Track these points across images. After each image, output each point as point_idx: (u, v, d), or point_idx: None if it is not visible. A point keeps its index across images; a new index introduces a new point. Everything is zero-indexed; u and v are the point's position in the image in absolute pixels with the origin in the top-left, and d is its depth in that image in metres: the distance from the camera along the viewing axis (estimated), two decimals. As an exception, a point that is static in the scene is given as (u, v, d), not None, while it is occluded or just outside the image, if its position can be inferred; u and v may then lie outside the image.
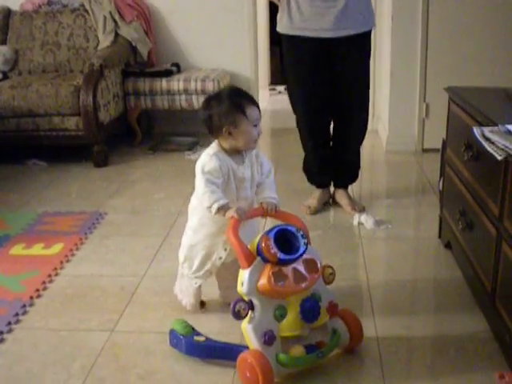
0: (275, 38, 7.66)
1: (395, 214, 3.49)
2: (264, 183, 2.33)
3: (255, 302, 1.97)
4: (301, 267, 2.00)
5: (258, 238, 2.02)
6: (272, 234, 1.99)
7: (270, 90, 7.31)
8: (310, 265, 2.03)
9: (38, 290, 2.65)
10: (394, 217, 3.43)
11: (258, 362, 1.91)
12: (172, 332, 2.19)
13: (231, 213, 2.11)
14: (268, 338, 1.94)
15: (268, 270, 1.96)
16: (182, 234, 3.16)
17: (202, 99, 4.68)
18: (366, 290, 2.62)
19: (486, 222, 2.27)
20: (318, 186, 3.60)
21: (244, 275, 1.99)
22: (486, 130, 2.07)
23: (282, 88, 7.15)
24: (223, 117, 2.18)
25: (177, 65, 4.99)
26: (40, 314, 2.49)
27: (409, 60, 4.41)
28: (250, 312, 1.96)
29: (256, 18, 5.27)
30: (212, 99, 2.26)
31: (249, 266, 1.99)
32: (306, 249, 2.01)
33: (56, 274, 2.81)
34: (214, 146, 2.25)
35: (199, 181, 2.18)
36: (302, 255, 2.01)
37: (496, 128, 2.07)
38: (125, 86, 4.82)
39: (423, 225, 3.36)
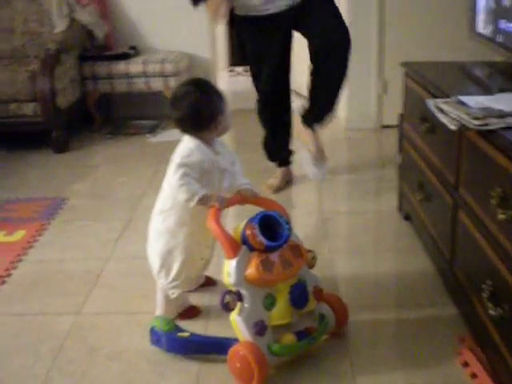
0: (233, 19, 7.70)
1: (355, 188, 3.55)
2: (234, 171, 2.22)
3: (243, 292, 1.91)
4: (286, 253, 1.97)
5: (241, 226, 1.98)
6: (256, 222, 1.93)
7: (229, 71, 7.30)
8: (295, 250, 2.00)
9: (1, 277, 2.65)
10: (354, 191, 3.50)
11: (252, 354, 1.86)
12: (152, 329, 2.10)
13: (212, 201, 2.03)
14: (259, 329, 1.90)
15: (255, 258, 1.91)
16: (145, 216, 3.18)
17: (160, 81, 4.72)
18: (329, 263, 2.67)
19: (442, 191, 2.33)
20: (280, 165, 3.63)
21: (230, 265, 1.92)
22: (440, 102, 2.12)
23: (241, 69, 7.16)
24: (215, 108, 2.10)
25: (134, 48, 4.96)
26: (5, 300, 2.49)
27: (365, 38, 4.45)
28: (238, 303, 1.91)
29: (213, -1, 5.25)
30: (189, 95, 2.11)
31: (235, 255, 1.92)
32: (290, 234, 1.98)
33: (19, 261, 2.81)
34: (188, 139, 2.13)
35: (175, 174, 2.05)
36: (287, 241, 1.97)
37: (449, 99, 2.12)
38: (82, 70, 4.78)
39: (383, 198, 3.41)
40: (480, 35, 2.73)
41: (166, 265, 2.17)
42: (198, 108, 2.08)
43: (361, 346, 2.11)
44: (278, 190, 3.54)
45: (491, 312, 1.79)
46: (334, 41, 3.17)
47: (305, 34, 3.26)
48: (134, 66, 4.71)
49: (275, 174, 3.63)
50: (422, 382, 1.93)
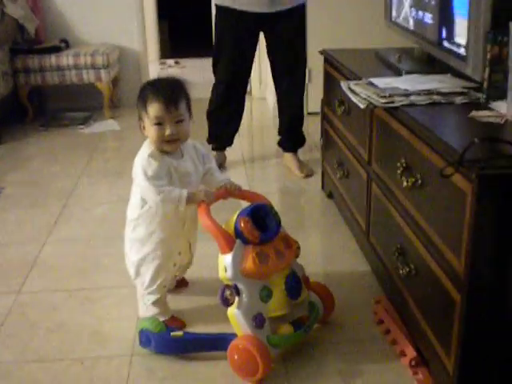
0: (163, 13, 7.81)
1: (283, 171, 3.72)
2: (210, 169, 2.18)
3: (240, 286, 1.89)
4: (278, 244, 1.97)
5: (233, 219, 1.96)
6: (248, 214, 1.93)
7: (160, 64, 7.40)
8: (285, 241, 2.00)
9: None
10: (282, 174, 3.67)
11: (256, 347, 1.86)
12: (142, 331, 2.06)
13: (201, 197, 2.00)
14: (259, 321, 1.89)
15: (251, 251, 1.89)
16: (80, 203, 3.31)
17: (92, 73, 4.79)
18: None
19: (358, 167, 2.52)
20: (215, 149, 3.79)
21: (226, 260, 1.91)
22: (352, 84, 2.31)
23: (171, 62, 7.27)
24: (137, 109, 2.04)
25: (65, 41, 5.02)
26: None
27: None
28: (236, 297, 1.90)
29: (141, -8, 5.37)
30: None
31: (230, 250, 1.90)
32: (280, 226, 2.00)
33: (-43, 247, 2.89)
34: (146, 146, 2.06)
35: (149, 189, 1.98)
36: (278, 232, 1.98)
37: (360, 81, 2.31)
38: (14, 63, 4.81)
39: (309, 179, 3.60)
40: (394, 23, 2.93)
41: (139, 272, 2.15)
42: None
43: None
44: None
45: (400, 271, 1.99)
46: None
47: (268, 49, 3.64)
48: (66, 59, 4.78)
49: None
50: (341, 339, 2.12)
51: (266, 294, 1.92)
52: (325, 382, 1.90)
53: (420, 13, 2.52)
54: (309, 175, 3.61)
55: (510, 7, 1.83)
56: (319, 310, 2.10)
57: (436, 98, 2.02)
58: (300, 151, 3.81)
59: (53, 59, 4.77)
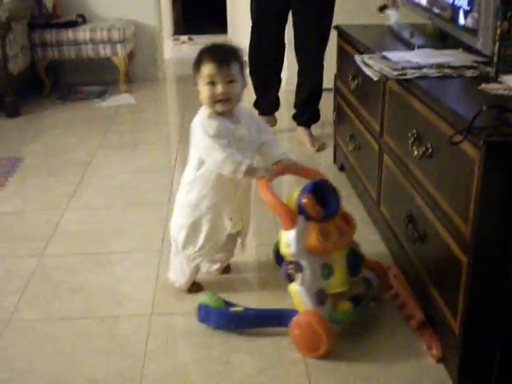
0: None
1: (296, 145, 3.80)
2: (267, 142, 2.15)
3: (303, 262, 1.89)
4: (339, 221, 1.97)
5: (295, 195, 1.95)
6: (310, 190, 1.92)
7: (174, 40, 7.45)
8: (345, 218, 2.01)
9: (-35, 227, 2.82)
10: (294, 147, 3.74)
11: (319, 323, 1.87)
12: (200, 306, 2.07)
13: (261, 173, 1.98)
14: (321, 298, 1.89)
15: (314, 227, 1.88)
16: (97, 173, 3.40)
17: (108, 48, 4.85)
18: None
19: (370, 139, 2.59)
20: (263, 113, 3.98)
21: (289, 236, 1.89)
22: (366, 57, 2.37)
23: (185, 38, 7.33)
24: (193, 72, 2.07)
25: (82, 16, 5.10)
26: (-31, 247, 2.67)
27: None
28: (299, 274, 1.89)
29: (158, -33, 5.43)
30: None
31: (293, 225, 1.89)
32: (340, 202, 2.00)
33: (-20, 213, 2.99)
34: (203, 110, 2.08)
35: (212, 147, 1.98)
36: (339, 210, 1.99)
37: (374, 55, 2.38)
38: (32, 37, 4.90)
39: (321, 153, 3.67)
40: (407, 0, 2.99)
41: (192, 235, 2.16)
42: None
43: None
44: None
45: (410, 238, 2.08)
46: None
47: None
48: (82, 34, 4.86)
49: None
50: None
51: (328, 271, 1.92)
52: (334, 342, 1.97)
53: (433, -11, 2.58)
54: (321, 149, 3.68)
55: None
56: (375, 287, 2.11)
57: (447, 71, 2.09)
58: (312, 126, 3.88)
59: (70, 34, 4.85)
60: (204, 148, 2.01)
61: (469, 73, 2.07)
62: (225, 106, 2.03)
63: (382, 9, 3.07)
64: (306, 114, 3.85)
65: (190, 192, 2.13)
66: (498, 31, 1.94)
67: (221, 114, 2.04)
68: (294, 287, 1.91)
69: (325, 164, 3.46)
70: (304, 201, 1.90)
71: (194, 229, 2.15)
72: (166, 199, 3.06)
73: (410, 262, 2.14)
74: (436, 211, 1.88)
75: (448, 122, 1.75)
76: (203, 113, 2.06)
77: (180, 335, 2.07)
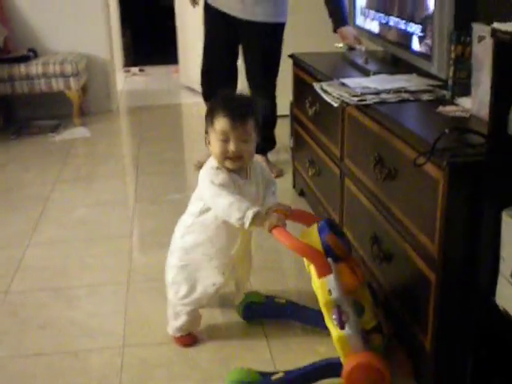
0: (125, 21, 7.88)
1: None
2: (267, 192, 2.09)
3: (345, 305, 1.83)
4: (351, 257, 1.96)
5: (314, 238, 1.88)
6: (330, 231, 1.88)
7: (125, 71, 7.46)
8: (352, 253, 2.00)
9: None
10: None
11: (379, 361, 1.83)
12: None
13: (274, 222, 1.86)
14: (364, 337, 1.85)
15: (346, 267, 1.86)
16: (57, 207, 3.39)
17: (61, 82, 4.84)
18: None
19: (330, 164, 2.65)
20: None
21: (330, 282, 1.82)
22: (324, 84, 2.44)
23: (136, 69, 7.34)
24: (205, 122, 2.01)
25: (33, 50, 5.07)
26: None
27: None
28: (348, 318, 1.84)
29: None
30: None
31: (330, 271, 1.83)
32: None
33: None
34: (211, 161, 2.01)
35: (219, 193, 1.91)
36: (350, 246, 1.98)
37: (332, 82, 2.45)
38: (-18, 73, 4.85)
39: (280, 179, 3.72)
40: (359, 27, 3.08)
41: (175, 281, 2.09)
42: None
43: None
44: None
45: (376, 259, 2.13)
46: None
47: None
48: (35, 68, 4.82)
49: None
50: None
51: (360, 309, 1.88)
52: (304, 357, 1.99)
53: (385, 16, 2.66)
54: (279, 175, 3.73)
55: (472, 8, 1.99)
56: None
57: (404, 95, 2.17)
58: (269, 153, 3.93)
59: (22, 68, 4.81)
60: (211, 196, 1.94)
61: (425, 96, 2.15)
62: (235, 164, 1.96)
63: (350, 49, 3.15)
64: (262, 141, 3.86)
65: (185, 236, 2.07)
66: (453, 55, 2.02)
67: (229, 170, 1.97)
68: (344, 333, 1.82)
69: (284, 189, 3.51)
70: (329, 242, 1.85)
71: (181, 273, 2.07)
72: (129, 232, 3.07)
73: (377, 281, 2.19)
74: (401, 231, 1.94)
75: (410, 145, 1.81)
76: (211, 163, 1.99)
77: (153, 366, 2.07)
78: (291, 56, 3.24)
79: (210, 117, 1.96)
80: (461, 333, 1.73)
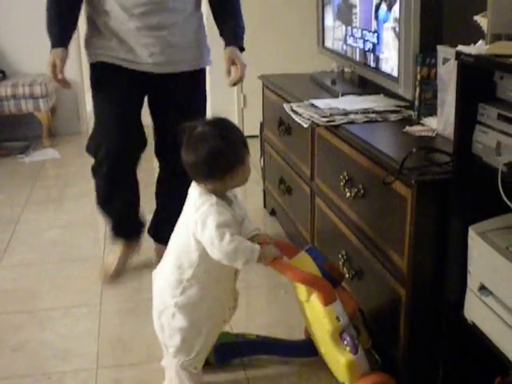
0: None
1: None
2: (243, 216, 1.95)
3: (351, 331, 1.85)
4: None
5: (310, 265, 1.88)
6: (323, 258, 1.92)
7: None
8: None
9: None
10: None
11: (390, 380, 1.86)
12: None
13: (273, 254, 1.84)
14: (369, 360, 1.87)
15: (345, 291, 1.92)
16: (27, 229, 3.38)
17: (30, 103, 4.83)
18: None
19: (301, 183, 2.70)
20: (123, 236, 2.86)
21: (337, 308, 1.82)
22: (294, 105, 2.49)
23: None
24: (235, 157, 1.79)
25: (2, 71, 5.07)
26: None
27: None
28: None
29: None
30: (209, 138, 1.77)
31: (336, 297, 1.83)
32: None
33: None
34: (204, 194, 1.82)
35: (221, 238, 1.74)
36: None
37: (302, 103, 2.50)
38: (-50, 96, 4.82)
39: (249, 199, 3.76)
40: (326, 49, 3.14)
41: (189, 339, 1.88)
42: (216, 155, 1.76)
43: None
44: (116, 275, 2.79)
45: (347, 275, 2.16)
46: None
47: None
48: (4, 90, 4.81)
49: (113, 250, 2.87)
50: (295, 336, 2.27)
51: (357, 331, 1.88)
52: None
53: (352, 38, 2.73)
54: None
55: (437, 31, 2.05)
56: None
57: (372, 116, 2.22)
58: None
59: (-10, 90, 4.81)
60: (211, 239, 1.76)
61: (392, 117, 2.21)
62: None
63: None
64: None
65: (187, 290, 1.85)
66: (418, 77, 2.08)
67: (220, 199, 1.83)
68: (351, 357, 1.83)
69: (255, 209, 3.54)
70: (327, 268, 1.88)
71: (191, 332, 1.87)
72: (101, 252, 3.07)
73: (348, 298, 2.23)
74: (371, 248, 1.98)
75: (378, 164, 1.86)
76: (207, 201, 1.80)
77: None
78: (261, 77, 3.29)
79: (245, 146, 1.83)
80: (431, 346, 1.77)
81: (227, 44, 2.59)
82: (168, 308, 1.87)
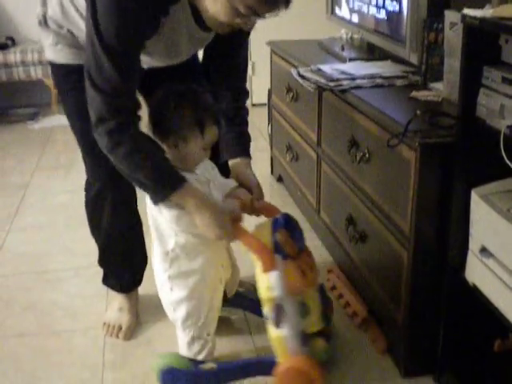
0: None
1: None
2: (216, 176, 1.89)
3: (287, 304, 1.74)
4: (306, 256, 1.82)
5: (266, 232, 1.76)
6: (283, 226, 1.77)
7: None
8: (308, 253, 1.85)
9: None
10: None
11: (312, 367, 1.74)
12: (165, 372, 1.83)
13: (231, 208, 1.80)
14: (305, 340, 1.77)
15: (293, 265, 1.74)
16: (37, 193, 3.41)
17: (39, 70, 4.84)
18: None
19: (308, 149, 2.71)
20: (121, 289, 2.28)
21: (272, 278, 1.72)
22: (302, 70, 2.49)
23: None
24: (175, 126, 1.72)
25: (11, 38, 5.07)
26: None
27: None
28: (285, 316, 1.75)
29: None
30: (171, 100, 1.73)
31: (275, 266, 1.73)
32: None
33: None
34: None
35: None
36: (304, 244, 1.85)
37: (309, 68, 2.50)
38: (-41, 61, 4.84)
39: (257, 166, 3.75)
40: (335, 15, 3.14)
41: (192, 308, 1.86)
42: (158, 115, 1.76)
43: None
44: (127, 335, 2.20)
45: (351, 240, 2.20)
46: None
47: None
48: (13, 56, 4.82)
49: (111, 303, 2.33)
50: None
51: (305, 310, 1.80)
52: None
53: (361, 4, 2.72)
54: None
55: (445, -4, 2.06)
56: (331, 320, 2.01)
57: (379, 81, 2.23)
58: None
59: (0, 56, 4.82)
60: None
61: (399, 82, 2.21)
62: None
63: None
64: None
65: (175, 260, 1.83)
66: (426, 42, 2.09)
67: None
68: (280, 333, 1.76)
69: (262, 175, 3.55)
70: (280, 238, 1.73)
71: (192, 299, 1.85)
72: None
73: (352, 262, 2.26)
74: (375, 212, 2.00)
75: (384, 128, 1.88)
76: None
77: (136, 345, 2.12)
78: (270, 43, 3.29)
79: (198, 126, 1.73)
80: (432, 307, 1.80)
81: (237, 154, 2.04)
82: (164, 284, 1.87)
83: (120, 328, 2.17)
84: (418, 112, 1.73)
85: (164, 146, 1.77)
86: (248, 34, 1.98)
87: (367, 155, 2.02)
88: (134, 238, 2.20)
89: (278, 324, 1.75)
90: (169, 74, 1.91)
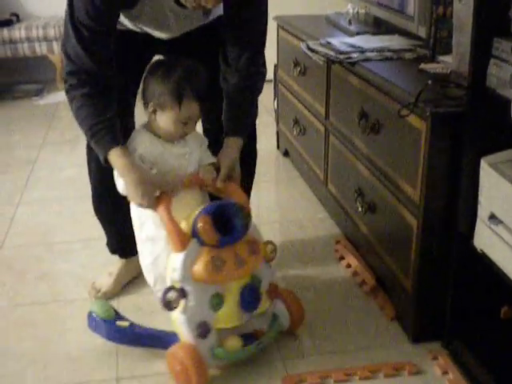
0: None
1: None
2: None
3: (189, 289, 1.71)
4: (241, 249, 1.75)
5: (194, 215, 1.75)
6: (210, 212, 1.73)
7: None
8: (251, 246, 1.78)
9: None
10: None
11: (191, 359, 1.71)
12: (91, 315, 1.95)
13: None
14: (202, 331, 1.72)
15: (205, 254, 1.70)
16: (45, 167, 3.44)
17: (44, 46, 4.85)
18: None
19: (315, 122, 2.74)
20: (111, 250, 2.39)
21: (176, 260, 1.71)
22: (311, 44, 2.52)
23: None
24: (156, 92, 1.80)
25: (16, 14, 5.07)
26: None
27: None
28: (182, 301, 1.72)
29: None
30: (161, 69, 1.82)
31: (182, 248, 1.71)
32: (247, 229, 1.79)
33: None
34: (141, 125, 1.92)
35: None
36: (242, 236, 1.77)
37: (318, 41, 2.53)
38: (-36, 37, 4.85)
39: (262, 141, 3.78)
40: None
41: (159, 275, 1.89)
42: (148, 80, 1.84)
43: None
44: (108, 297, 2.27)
45: (360, 210, 2.23)
46: None
47: None
48: (18, 32, 4.83)
49: (109, 268, 2.36)
50: (306, 273, 2.35)
51: (217, 302, 1.74)
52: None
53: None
54: None
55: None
56: (282, 323, 1.93)
57: (388, 54, 2.25)
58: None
59: (5, 32, 4.82)
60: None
61: (408, 55, 2.24)
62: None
63: None
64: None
65: (144, 225, 1.90)
66: (434, 15, 2.11)
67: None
68: (176, 315, 1.75)
69: (268, 150, 3.59)
70: (199, 224, 1.70)
71: (159, 266, 1.88)
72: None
73: (361, 232, 2.30)
74: (385, 182, 2.04)
75: (394, 99, 1.90)
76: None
77: (149, 312, 2.15)
78: (276, 18, 3.30)
79: (176, 97, 1.78)
80: (441, 275, 1.84)
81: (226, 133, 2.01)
82: (139, 248, 1.96)
83: (98, 291, 2.26)
84: (430, 82, 1.75)
85: (147, 113, 1.87)
86: (258, 6, 1.96)
87: (377, 126, 2.05)
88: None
89: (166, 306, 1.73)
90: (189, 53, 1.94)
